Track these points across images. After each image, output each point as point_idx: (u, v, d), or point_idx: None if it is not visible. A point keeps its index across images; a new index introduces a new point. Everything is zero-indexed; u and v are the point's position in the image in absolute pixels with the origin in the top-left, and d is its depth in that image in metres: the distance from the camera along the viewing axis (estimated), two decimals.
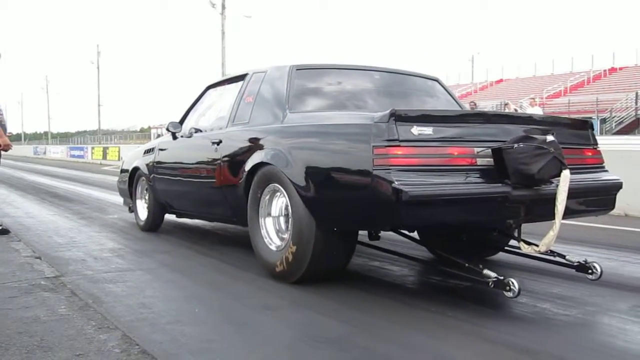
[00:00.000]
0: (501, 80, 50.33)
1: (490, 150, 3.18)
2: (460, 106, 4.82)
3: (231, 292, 3.62)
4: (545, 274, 3.96)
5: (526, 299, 3.36)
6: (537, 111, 17.25)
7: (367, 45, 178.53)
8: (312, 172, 3.47)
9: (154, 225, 5.93)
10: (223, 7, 33.66)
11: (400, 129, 3.02)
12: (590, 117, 32.87)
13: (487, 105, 37.65)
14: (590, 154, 3.82)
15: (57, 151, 42.63)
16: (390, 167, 2.97)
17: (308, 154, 3.57)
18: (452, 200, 3.04)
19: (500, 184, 3.14)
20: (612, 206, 3.81)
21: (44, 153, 45.08)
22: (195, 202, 5.18)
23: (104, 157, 29.85)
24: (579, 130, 3.85)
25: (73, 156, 36.95)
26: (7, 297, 3.35)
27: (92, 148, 34.17)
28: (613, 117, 32.09)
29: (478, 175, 3.16)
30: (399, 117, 3.03)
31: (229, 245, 5.23)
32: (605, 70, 42.90)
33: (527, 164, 3.12)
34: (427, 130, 3.08)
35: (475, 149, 3.19)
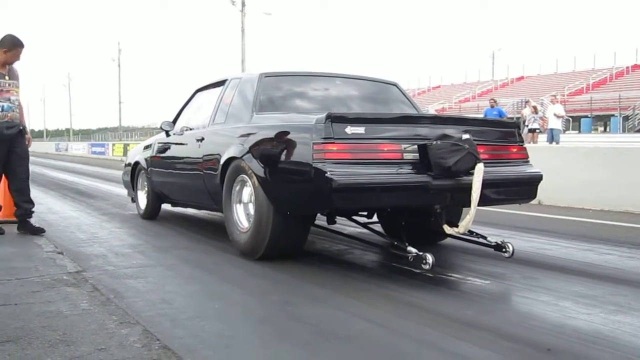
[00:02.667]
0: (522, 77, 49.89)
1: (416, 146, 3.76)
2: (416, 108, 5.35)
3: (250, 288, 3.64)
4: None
5: (548, 297, 3.34)
6: (558, 108, 17.09)
7: (387, 40, 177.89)
8: (268, 165, 4.08)
9: (152, 213, 6.60)
10: (243, 4, 33.75)
11: (336, 129, 3.59)
12: (613, 115, 32.52)
13: (507, 102, 37.41)
14: (515, 150, 4.37)
15: (78, 148, 43.10)
16: (326, 160, 3.54)
17: (266, 149, 4.17)
18: (378, 188, 3.60)
19: (423, 175, 3.71)
20: (534, 196, 4.36)
21: (66, 150, 45.58)
22: (185, 192, 5.79)
23: (125, 153, 30.08)
24: (505, 130, 4.43)
25: (94, 153, 37.32)
26: (30, 292, 3.40)
27: (113, 145, 34.49)
28: (636, 115, 31.65)
29: (404, 168, 3.74)
30: (334, 119, 3.61)
31: None
32: (628, 67, 42.28)
33: (444, 158, 3.67)
34: (360, 130, 3.65)
35: (402, 145, 3.77)
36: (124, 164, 7.56)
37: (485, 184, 3.77)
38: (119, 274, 3.90)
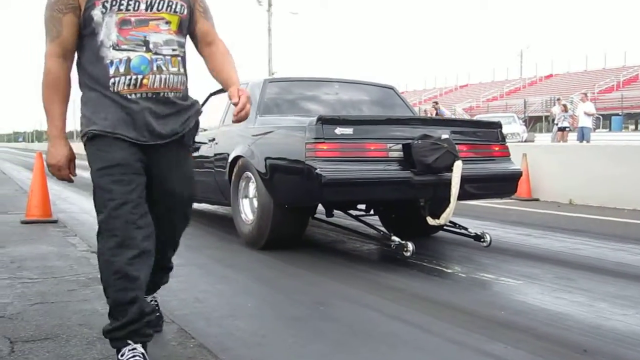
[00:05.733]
0: (551, 75, 49.27)
1: (401, 145, 4.11)
2: (411, 111, 5.84)
3: (282, 287, 3.66)
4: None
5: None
6: (588, 107, 16.87)
7: (416, 38, 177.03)
8: (268, 162, 4.46)
9: None
10: (269, 4, 33.87)
11: (326, 130, 3.99)
12: None
13: (536, 101, 37.01)
14: (497, 148, 4.71)
15: None
16: (316, 158, 3.94)
17: (266, 148, 4.56)
18: (363, 182, 3.99)
19: (406, 171, 4.06)
20: (514, 191, 4.73)
21: None
22: (199, 188, 6.09)
23: None
24: (488, 130, 4.76)
25: None
26: (66, 290, 3.45)
27: None
28: None
29: (389, 164, 4.11)
30: (325, 121, 4.02)
31: None
32: None
33: (425, 156, 4.00)
34: (348, 131, 4.03)
35: (388, 144, 4.14)
36: None
37: (467, 180, 4.15)
38: None
